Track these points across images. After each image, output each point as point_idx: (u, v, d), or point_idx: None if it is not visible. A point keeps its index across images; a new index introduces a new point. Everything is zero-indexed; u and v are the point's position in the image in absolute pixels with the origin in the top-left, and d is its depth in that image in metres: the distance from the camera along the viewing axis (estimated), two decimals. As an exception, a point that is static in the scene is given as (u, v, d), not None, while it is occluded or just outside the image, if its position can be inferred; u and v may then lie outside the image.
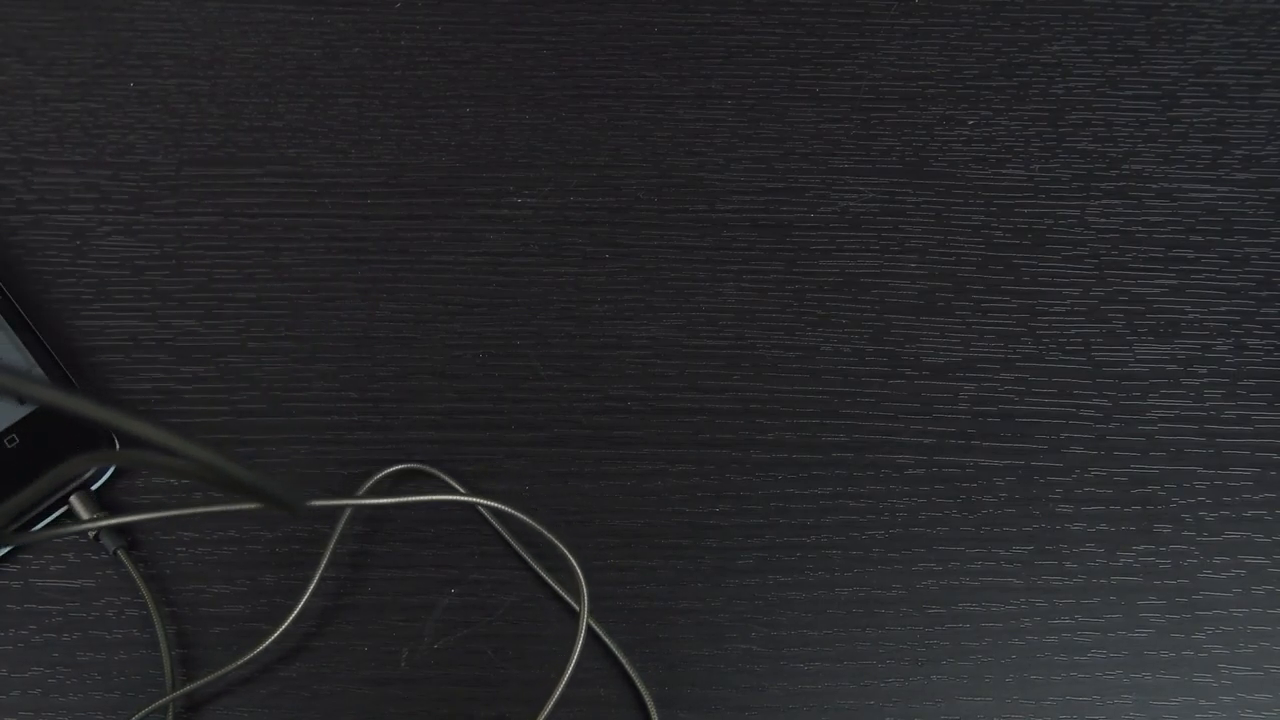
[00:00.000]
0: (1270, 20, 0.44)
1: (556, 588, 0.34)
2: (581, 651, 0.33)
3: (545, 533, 0.33)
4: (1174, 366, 0.39)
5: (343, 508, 0.34)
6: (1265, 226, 0.41)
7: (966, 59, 0.43)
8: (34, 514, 0.34)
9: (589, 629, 0.34)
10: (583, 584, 0.32)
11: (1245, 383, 0.38)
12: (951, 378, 0.38)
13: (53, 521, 0.34)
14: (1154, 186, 0.41)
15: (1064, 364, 0.38)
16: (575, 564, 0.32)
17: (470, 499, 0.33)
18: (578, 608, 0.33)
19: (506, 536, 0.35)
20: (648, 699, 0.33)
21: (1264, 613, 0.35)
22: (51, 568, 0.34)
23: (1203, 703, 0.34)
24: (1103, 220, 0.41)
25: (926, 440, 0.37)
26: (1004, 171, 0.41)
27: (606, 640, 0.34)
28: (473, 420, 0.37)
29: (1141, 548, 0.36)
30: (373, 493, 0.35)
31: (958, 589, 0.35)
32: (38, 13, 0.42)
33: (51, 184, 0.39)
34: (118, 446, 0.35)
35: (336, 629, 0.34)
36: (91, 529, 0.32)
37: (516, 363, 0.38)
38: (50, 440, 0.34)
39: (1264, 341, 0.39)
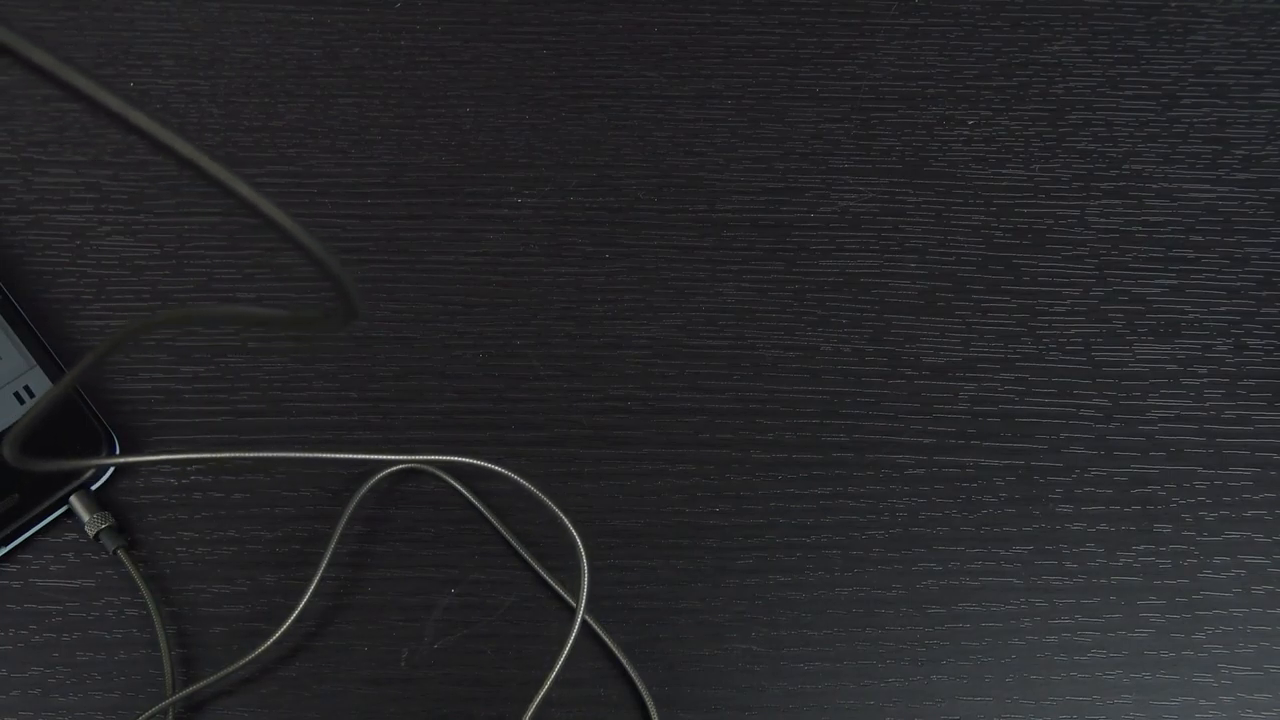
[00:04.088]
0: (1270, 20, 0.44)
1: (557, 587, 0.34)
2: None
3: (518, 479, 0.33)
4: (1174, 366, 0.39)
5: (345, 502, 0.35)
6: (1265, 226, 0.41)
7: (966, 59, 0.43)
8: (33, 515, 0.34)
9: (590, 630, 0.34)
10: (578, 541, 0.32)
11: (1245, 383, 0.38)
12: (951, 378, 0.38)
13: (53, 521, 0.34)
14: (1154, 186, 0.41)
15: (1064, 364, 0.38)
16: (566, 520, 0.32)
17: (426, 459, 0.33)
18: (575, 598, 0.33)
19: (507, 536, 0.35)
20: (647, 699, 0.33)
21: (1264, 613, 0.35)
22: (51, 568, 0.34)
23: (1203, 703, 0.34)
24: (1103, 220, 0.41)
25: (926, 440, 0.37)
26: (1004, 171, 0.41)
27: (606, 640, 0.34)
28: (473, 420, 0.37)
29: (1141, 548, 0.36)
30: (373, 493, 0.35)
31: (958, 589, 0.35)
32: (38, 13, 0.42)
33: (51, 184, 0.39)
34: (118, 449, 0.35)
35: (336, 629, 0.34)
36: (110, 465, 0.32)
37: (516, 363, 0.38)
38: (49, 439, 0.34)
39: (1264, 341, 0.39)
